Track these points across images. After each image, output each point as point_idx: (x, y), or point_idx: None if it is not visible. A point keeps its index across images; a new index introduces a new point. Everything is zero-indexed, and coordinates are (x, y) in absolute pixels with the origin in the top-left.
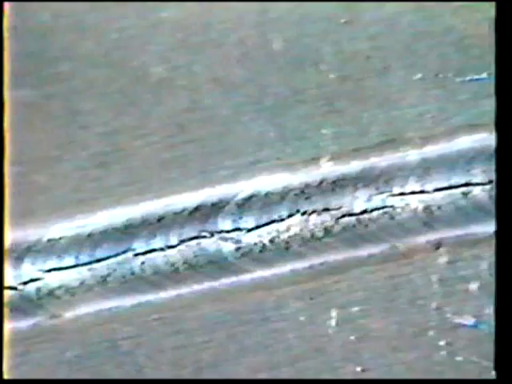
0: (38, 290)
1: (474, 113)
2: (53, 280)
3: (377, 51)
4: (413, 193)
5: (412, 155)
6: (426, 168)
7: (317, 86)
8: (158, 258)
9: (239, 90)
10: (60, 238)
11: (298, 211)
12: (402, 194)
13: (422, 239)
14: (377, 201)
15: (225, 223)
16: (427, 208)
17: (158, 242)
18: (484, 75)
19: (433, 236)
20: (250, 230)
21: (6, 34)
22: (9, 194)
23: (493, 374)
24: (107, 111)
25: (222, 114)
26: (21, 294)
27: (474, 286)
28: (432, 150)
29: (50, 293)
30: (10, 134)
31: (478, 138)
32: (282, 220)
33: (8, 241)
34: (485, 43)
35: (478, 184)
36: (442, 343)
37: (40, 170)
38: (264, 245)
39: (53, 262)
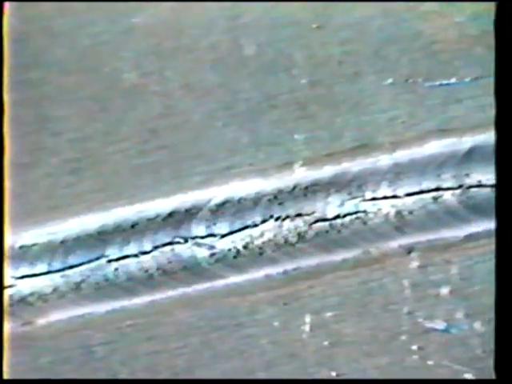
0: (11, 296)
1: (444, 118)
2: (25, 287)
3: (348, 56)
4: (385, 198)
5: (383, 160)
6: (397, 173)
7: (289, 91)
8: (131, 264)
9: (211, 95)
10: (32, 245)
11: (271, 217)
12: (374, 198)
13: (394, 244)
14: (349, 206)
15: (198, 229)
16: (399, 213)
17: (131, 249)
18: (453, 80)
19: (404, 241)
20: (223, 236)
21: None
22: None
23: (466, 377)
24: (79, 117)
25: (194, 119)
26: None
27: (444, 291)
28: (403, 155)
29: (23, 299)
30: None
31: (447, 142)
32: (256, 226)
33: None
34: (453, 48)
35: (448, 189)
36: (414, 347)
37: (11, 176)
38: (238, 250)
39: (25, 269)
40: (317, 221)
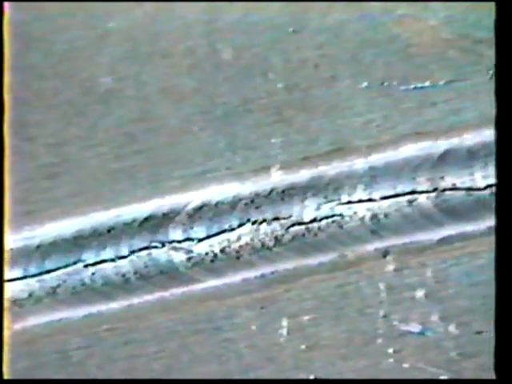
0: None
1: (419, 121)
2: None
3: (324, 60)
4: (360, 201)
5: (359, 163)
6: (372, 176)
7: (265, 95)
8: (108, 268)
9: (188, 99)
10: (8, 250)
11: (248, 221)
12: (349, 202)
13: (370, 247)
14: (326, 209)
15: (175, 233)
16: (374, 216)
17: (108, 253)
18: (427, 83)
19: (380, 244)
20: (200, 240)
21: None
22: None
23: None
24: (55, 122)
25: (171, 124)
26: None
27: (420, 294)
28: (378, 159)
29: None
30: None
31: (422, 146)
32: (233, 230)
33: None
34: (428, 52)
35: (423, 192)
36: (389, 351)
37: None
38: (215, 254)
39: None
40: (293, 224)
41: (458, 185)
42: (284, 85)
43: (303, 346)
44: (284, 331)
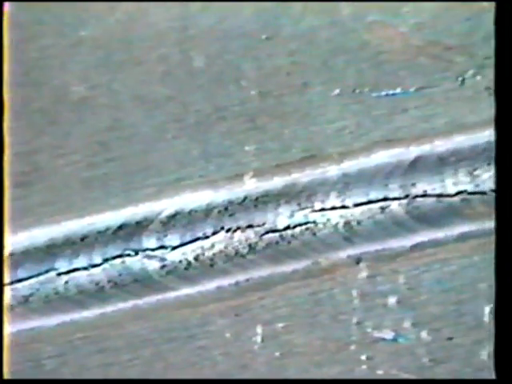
0: None
1: (390, 128)
2: None
3: (296, 67)
4: (333, 208)
5: (332, 171)
6: (345, 183)
7: (239, 103)
8: (81, 277)
9: (161, 107)
10: None
11: (222, 228)
12: (323, 209)
13: (343, 254)
14: (299, 217)
15: (149, 241)
16: (347, 223)
17: (81, 261)
18: (398, 90)
19: (353, 251)
20: (174, 248)
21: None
22: None
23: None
24: (27, 130)
25: (144, 132)
26: None
27: (392, 301)
28: (351, 166)
29: None
30: None
31: (394, 152)
32: (207, 237)
33: None
34: (398, 58)
35: (394, 199)
36: (363, 357)
37: None
38: (189, 262)
39: None
40: (267, 232)
41: (429, 191)
42: (257, 92)
43: (277, 353)
44: (258, 338)
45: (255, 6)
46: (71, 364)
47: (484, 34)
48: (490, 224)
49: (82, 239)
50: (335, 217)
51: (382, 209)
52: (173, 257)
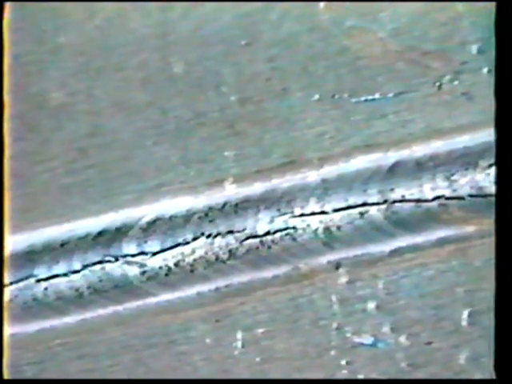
0: None
1: (369, 133)
2: None
3: (276, 73)
4: (313, 213)
5: (312, 176)
6: (325, 189)
7: (218, 109)
8: (61, 283)
9: (141, 113)
10: None
11: (202, 234)
12: (302, 215)
13: (323, 260)
14: (279, 222)
15: (129, 247)
16: (327, 229)
17: (61, 268)
18: (377, 96)
19: (333, 256)
20: (154, 254)
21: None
22: None
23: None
24: (5, 137)
25: (123, 138)
26: None
27: (371, 306)
28: (330, 171)
29: None
30: None
31: (373, 158)
32: (187, 243)
33: None
34: (377, 64)
35: (373, 204)
36: (343, 362)
37: None
38: (169, 268)
39: None
40: (247, 237)
41: (407, 196)
42: (237, 98)
43: (258, 359)
44: (239, 344)
45: (234, 11)
46: (51, 370)
47: (460, 39)
48: (468, 229)
49: (62, 245)
50: (315, 222)
51: (361, 214)
52: (153, 263)
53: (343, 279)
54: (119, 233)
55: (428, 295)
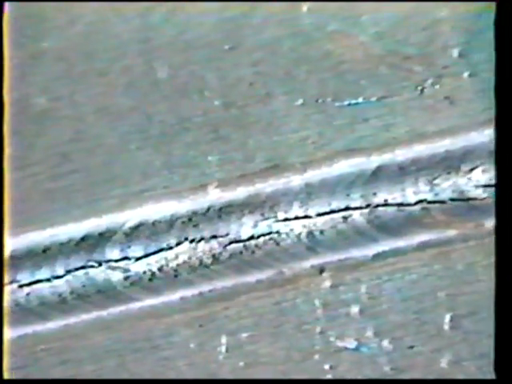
0: None
1: (352, 137)
2: None
3: (259, 77)
4: (296, 218)
5: (295, 180)
6: (308, 193)
7: (202, 113)
8: (44, 288)
9: (124, 118)
10: None
11: (186, 239)
12: (286, 219)
13: (306, 264)
14: (263, 227)
15: (113, 252)
16: (310, 233)
17: (43, 273)
18: (360, 100)
19: (316, 261)
20: (138, 259)
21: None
22: None
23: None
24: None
25: (107, 143)
26: None
27: (354, 310)
28: (314, 175)
29: None
30: None
31: (356, 162)
32: (171, 248)
33: None
34: (359, 68)
35: (356, 208)
36: (326, 367)
37: None
38: (153, 273)
39: None
40: (231, 242)
41: (390, 201)
42: (220, 102)
43: (242, 363)
44: (223, 349)
45: (218, 16)
46: (34, 376)
47: (442, 44)
48: (450, 233)
49: (44, 251)
50: (298, 226)
51: (344, 218)
52: (137, 268)
53: (326, 283)
54: (102, 238)
55: (410, 299)
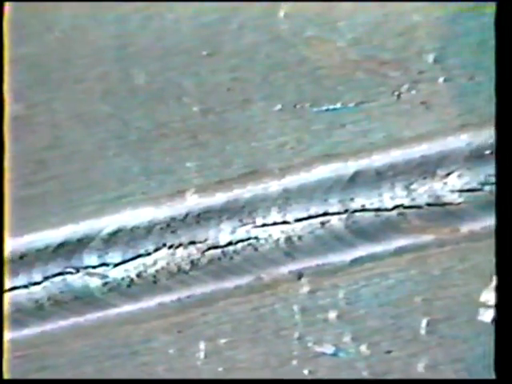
0: None
1: (329, 143)
2: None
3: (237, 83)
4: (275, 224)
5: (273, 186)
6: (286, 199)
7: (180, 119)
8: (21, 295)
9: (102, 125)
10: None
11: (164, 245)
12: (264, 225)
13: (285, 270)
14: (241, 232)
15: (91, 259)
16: (288, 238)
17: (20, 280)
18: (338, 105)
19: (294, 266)
20: (116, 265)
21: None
22: None
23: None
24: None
25: (84, 149)
26: None
27: (332, 315)
28: (292, 181)
29: None
30: None
31: (333, 167)
32: (149, 254)
33: None
34: (337, 73)
35: (334, 213)
36: (305, 372)
37: None
38: (131, 279)
39: None
40: (209, 248)
41: (367, 206)
42: (198, 108)
43: (220, 369)
44: (201, 354)
45: (195, 22)
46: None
47: (417, 49)
48: (426, 238)
49: (22, 257)
50: (276, 232)
51: (322, 224)
52: (115, 274)
53: (305, 289)
54: (80, 244)
55: (387, 304)
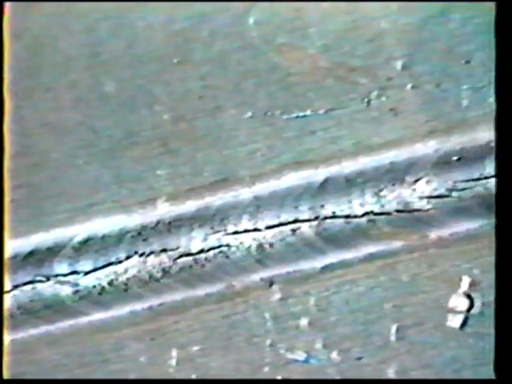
0: None
1: (300, 150)
2: None
3: (208, 91)
4: (246, 231)
5: (244, 193)
6: (257, 206)
7: (151, 128)
8: None
9: (72, 133)
10: None
11: (135, 253)
12: (235, 232)
13: (256, 277)
14: (213, 240)
15: (61, 267)
16: (260, 246)
17: None
18: (308, 112)
19: (266, 274)
20: (87, 273)
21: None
22: None
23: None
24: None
25: (54, 158)
26: None
27: (304, 322)
28: (262, 188)
29: None
30: None
31: (304, 175)
32: (120, 262)
33: None
34: (307, 80)
35: (305, 220)
36: (277, 379)
37: None
38: (103, 287)
39: None
40: (181, 256)
41: (338, 213)
42: (169, 116)
43: (193, 376)
44: (173, 362)
45: (165, 30)
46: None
47: (385, 56)
48: (395, 244)
49: None
50: (248, 239)
51: (293, 231)
52: (86, 282)
53: (276, 296)
54: (51, 252)
55: (358, 311)
